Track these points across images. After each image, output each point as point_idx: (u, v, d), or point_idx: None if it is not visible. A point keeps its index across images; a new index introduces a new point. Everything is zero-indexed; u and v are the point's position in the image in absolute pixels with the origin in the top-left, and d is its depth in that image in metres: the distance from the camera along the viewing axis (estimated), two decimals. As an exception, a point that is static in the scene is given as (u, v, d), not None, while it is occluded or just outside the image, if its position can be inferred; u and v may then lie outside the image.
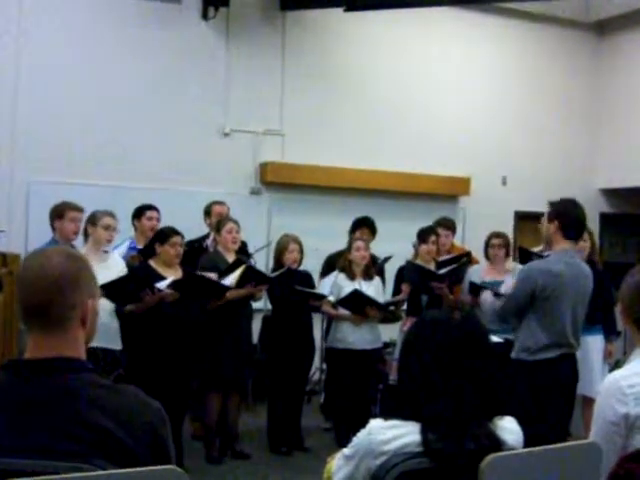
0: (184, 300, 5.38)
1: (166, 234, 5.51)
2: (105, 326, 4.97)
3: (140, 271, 5.50)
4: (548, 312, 4.42)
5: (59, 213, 5.67)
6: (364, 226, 6.84)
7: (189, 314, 5.49)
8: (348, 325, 6.20)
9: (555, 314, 4.42)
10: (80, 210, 5.69)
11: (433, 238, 6.36)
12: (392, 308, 6.44)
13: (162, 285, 5.26)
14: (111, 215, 5.46)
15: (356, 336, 6.18)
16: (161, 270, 5.45)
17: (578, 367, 4.73)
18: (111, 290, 5.00)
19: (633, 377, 2.32)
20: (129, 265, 5.65)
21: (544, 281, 4.39)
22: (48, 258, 1.83)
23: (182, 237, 5.58)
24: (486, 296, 5.91)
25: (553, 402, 4.43)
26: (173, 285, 5.32)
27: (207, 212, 6.71)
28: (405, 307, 6.45)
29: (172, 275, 5.42)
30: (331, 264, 6.71)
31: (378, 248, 6.77)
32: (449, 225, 6.96)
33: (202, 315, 5.65)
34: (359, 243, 6.30)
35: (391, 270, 6.79)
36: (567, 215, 4.46)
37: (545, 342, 4.41)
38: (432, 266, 6.31)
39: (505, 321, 4.91)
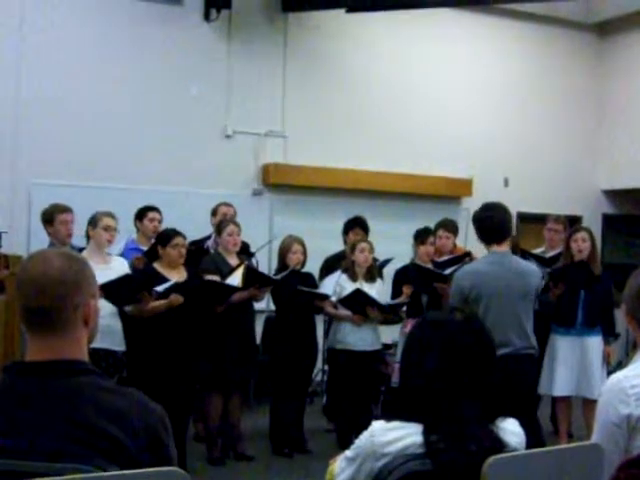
0: (188, 303, 5.39)
1: (168, 236, 5.51)
2: (108, 327, 4.98)
3: (144, 274, 5.50)
4: (482, 312, 4.41)
5: (48, 218, 5.68)
6: (356, 226, 6.81)
7: (192, 316, 5.49)
8: (348, 326, 6.19)
9: (489, 313, 4.41)
10: (69, 211, 5.68)
11: (431, 239, 6.38)
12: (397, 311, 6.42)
13: (161, 288, 5.26)
14: (111, 216, 5.47)
15: (355, 337, 6.17)
16: (165, 272, 5.45)
17: (532, 368, 4.74)
18: (109, 291, 4.99)
19: (636, 378, 2.31)
20: (134, 267, 5.66)
21: (471, 282, 4.48)
22: (48, 260, 1.82)
23: (184, 238, 5.57)
24: None
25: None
26: (177, 289, 5.33)
27: (214, 213, 6.69)
28: (405, 308, 6.43)
29: (176, 277, 5.43)
30: (329, 266, 6.70)
31: (380, 250, 6.76)
32: (450, 227, 6.94)
33: (205, 317, 5.65)
34: (363, 245, 6.29)
35: (390, 272, 6.77)
36: (477, 221, 4.64)
37: None
38: (430, 267, 6.32)
39: None
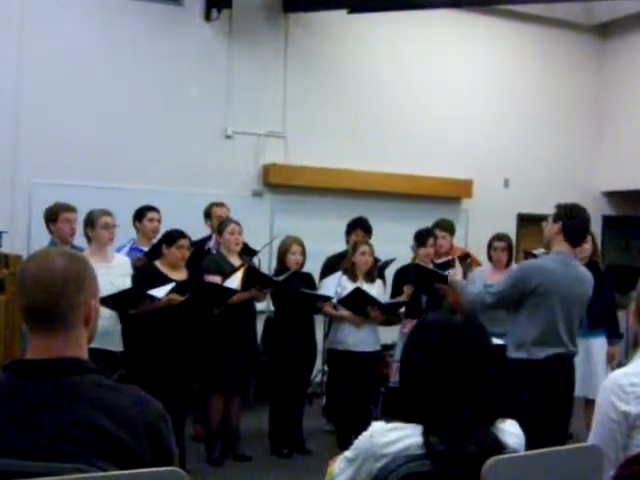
0: (188, 303, 5.40)
1: (174, 236, 5.56)
2: (105, 328, 4.97)
3: (145, 272, 5.52)
4: (538, 308, 4.48)
5: (52, 216, 5.68)
6: (358, 227, 6.82)
7: (191, 316, 5.50)
8: (347, 327, 6.19)
9: (544, 310, 4.48)
10: (73, 210, 5.70)
11: (431, 241, 6.39)
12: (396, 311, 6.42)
13: (161, 294, 5.27)
14: (108, 213, 5.48)
15: (355, 338, 6.17)
16: (166, 271, 5.50)
17: (575, 370, 4.76)
18: (111, 302, 5.02)
19: (634, 376, 2.32)
20: (135, 266, 5.67)
21: (537, 279, 4.49)
22: (50, 259, 1.82)
23: (189, 240, 5.64)
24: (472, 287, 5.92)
25: (549, 403, 4.45)
26: (177, 289, 5.33)
27: (207, 214, 6.71)
28: (404, 308, 6.44)
29: (177, 276, 5.47)
30: (330, 266, 6.70)
31: (379, 250, 6.76)
32: (447, 226, 6.95)
33: (205, 317, 5.66)
34: (364, 248, 6.30)
35: (390, 272, 6.78)
36: (571, 218, 4.55)
37: (535, 337, 4.45)
38: (431, 268, 6.33)
39: (487, 311, 4.86)
